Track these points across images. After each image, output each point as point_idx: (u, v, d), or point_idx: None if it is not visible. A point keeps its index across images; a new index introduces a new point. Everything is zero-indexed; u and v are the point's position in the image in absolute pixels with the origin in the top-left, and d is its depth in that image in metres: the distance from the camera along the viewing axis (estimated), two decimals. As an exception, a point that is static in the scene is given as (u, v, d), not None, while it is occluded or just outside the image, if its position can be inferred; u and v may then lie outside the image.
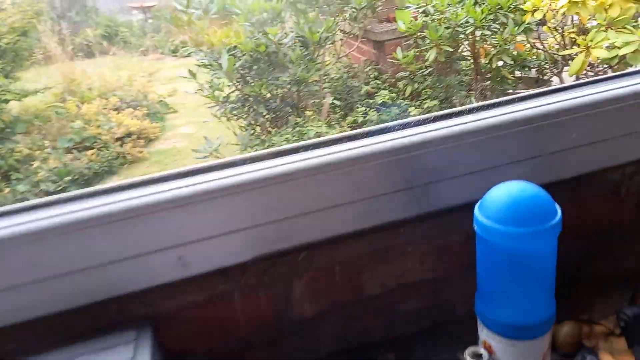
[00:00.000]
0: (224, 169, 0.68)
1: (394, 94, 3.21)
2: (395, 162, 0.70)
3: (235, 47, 3.08)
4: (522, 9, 2.89)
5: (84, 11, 7.85)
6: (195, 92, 3.23)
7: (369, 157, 0.69)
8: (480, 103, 0.75)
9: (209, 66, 3.08)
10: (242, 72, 3.12)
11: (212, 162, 0.69)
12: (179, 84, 5.42)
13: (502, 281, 0.58)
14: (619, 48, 2.44)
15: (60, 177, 3.25)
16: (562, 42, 2.97)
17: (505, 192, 0.56)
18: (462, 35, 3.05)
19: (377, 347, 0.77)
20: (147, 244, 0.64)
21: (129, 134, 3.97)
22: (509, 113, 0.73)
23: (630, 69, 0.78)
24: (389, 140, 0.70)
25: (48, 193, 3.19)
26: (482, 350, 0.60)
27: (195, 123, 4.51)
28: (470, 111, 0.74)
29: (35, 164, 3.29)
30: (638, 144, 0.77)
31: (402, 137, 0.70)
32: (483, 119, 0.72)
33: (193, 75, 3.07)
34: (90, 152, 3.60)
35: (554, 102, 0.74)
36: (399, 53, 3.23)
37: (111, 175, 3.61)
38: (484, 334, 0.61)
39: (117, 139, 3.86)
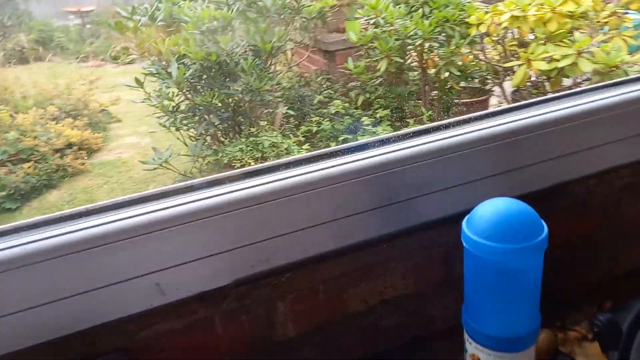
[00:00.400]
0: (199, 190, 0.66)
1: (346, 104, 3.23)
2: (374, 179, 0.69)
3: (184, 55, 3.00)
4: (467, 22, 3.01)
5: (16, 15, 7.41)
6: (143, 101, 3.11)
7: (347, 175, 0.68)
8: (455, 119, 0.76)
9: (157, 75, 2.98)
10: (192, 81, 3.04)
11: (187, 182, 0.66)
12: (122, 93, 5.22)
13: (490, 295, 0.59)
14: (557, 61, 2.59)
15: (-6, 192, 3.03)
16: (504, 54, 3.11)
17: (493, 208, 0.57)
18: (411, 47, 3.13)
19: (359, 365, 0.76)
20: (121, 271, 0.60)
21: (69, 145, 3.76)
22: (481, 129, 0.75)
23: (589, 85, 0.82)
24: (367, 158, 0.70)
25: (-20, 210, 2.96)
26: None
27: (141, 133, 4.35)
28: (446, 127, 0.75)
29: (-34, 178, 3.04)
30: (599, 157, 0.81)
31: (380, 155, 0.70)
32: (458, 135, 0.73)
33: (140, 83, 2.96)
34: (27, 165, 3.38)
35: (521, 119, 0.76)
36: (350, 63, 3.27)
37: (51, 189, 3.40)
38: (472, 347, 0.62)
39: (57, 151, 3.65)
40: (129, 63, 6.76)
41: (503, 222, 0.56)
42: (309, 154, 0.70)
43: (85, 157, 3.78)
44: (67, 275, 0.58)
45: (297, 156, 0.70)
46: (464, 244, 0.60)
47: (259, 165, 0.69)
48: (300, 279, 0.70)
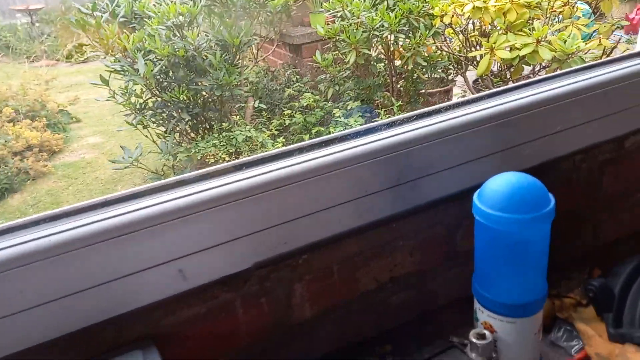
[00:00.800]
0: (217, 177, 0.67)
1: (316, 96, 3.26)
2: (383, 161, 0.72)
3: (150, 52, 2.94)
4: (431, 14, 3.08)
5: (-42, 13, 7.02)
6: (107, 100, 3.03)
7: (361, 157, 0.70)
8: (457, 101, 0.80)
9: (122, 72, 2.91)
10: (159, 77, 2.99)
11: (204, 170, 0.67)
12: (80, 92, 5.05)
13: (503, 265, 0.63)
14: (518, 49, 2.70)
15: (-49, 198, 2.88)
16: (466, 45, 3.21)
17: (505, 182, 0.61)
18: (378, 39, 3.18)
19: (371, 342, 0.79)
20: (145, 259, 0.61)
21: (29, 147, 3.62)
22: (475, 112, 0.79)
23: (574, 67, 0.88)
24: (378, 140, 0.72)
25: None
26: (485, 331, 0.65)
27: (103, 132, 4.23)
28: (448, 109, 0.79)
29: None
30: (583, 135, 0.87)
31: (388, 137, 0.73)
32: (460, 116, 0.77)
33: (105, 81, 2.88)
34: (-15, 169, 3.23)
35: (514, 100, 0.81)
36: (318, 56, 3.29)
37: (13, 192, 3.26)
38: (484, 315, 0.66)
39: (16, 154, 3.51)
40: (83, 62, 6.54)
41: (515, 194, 0.60)
42: (321, 138, 0.72)
43: (47, 159, 3.65)
44: (93, 264, 0.58)
45: (310, 141, 0.72)
46: (476, 217, 0.63)
47: (274, 151, 0.70)
48: (317, 260, 0.72)
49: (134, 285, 0.61)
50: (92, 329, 0.59)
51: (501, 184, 0.61)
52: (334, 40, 3.24)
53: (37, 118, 4.03)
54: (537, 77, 0.82)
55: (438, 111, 0.78)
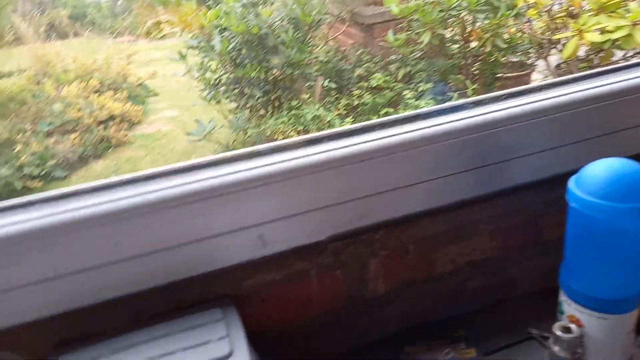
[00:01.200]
0: (302, 147, 0.67)
1: (387, 77, 3.20)
2: (469, 140, 0.70)
3: (225, 29, 3.00)
4: (514, -7, 2.92)
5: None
6: (184, 75, 3.15)
7: (443, 136, 0.68)
8: (551, 80, 0.75)
9: (199, 48, 3.00)
10: (233, 54, 3.06)
11: (290, 140, 0.67)
12: (158, 67, 5.28)
13: (597, 256, 0.59)
14: (610, 32, 2.50)
15: (44, 161, 3.13)
16: (551, 26, 3.02)
17: (606, 167, 0.57)
18: (454, 19, 3.07)
19: (442, 324, 0.78)
20: (230, 222, 0.63)
21: (111, 117, 3.84)
22: (574, 92, 0.74)
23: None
24: (462, 119, 0.70)
25: (32, 177, 3.07)
26: (572, 325, 0.61)
27: (179, 106, 4.41)
28: (540, 89, 0.74)
29: (18, 147, 3.15)
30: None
31: (474, 116, 0.70)
32: (553, 97, 0.72)
33: (183, 57, 2.99)
34: (73, 135, 3.47)
35: (618, 82, 0.75)
36: (390, 36, 3.22)
37: (96, 158, 3.50)
38: (571, 308, 0.62)
39: (100, 123, 3.74)
40: (160, 39, 6.81)
41: (617, 181, 0.55)
42: (404, 114, 0.71)
43: (127, 129, 3.86)
44: (181, 224, 0.60)
45: (392, 117, 0.70)
46: (570, 204, 0.60)
47: (356, 125, 0.70)
48: (393, 237, 0.71)
49: (218, 247, 0.63)
50: (179, 284, 0.62)
51: (603, 170, 0.57)
52: (408, 20, 3.15)
53: (119, 90, 4.26)
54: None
55: (529, 91, 0.74)
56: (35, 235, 0.55)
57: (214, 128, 2.83)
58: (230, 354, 0.53)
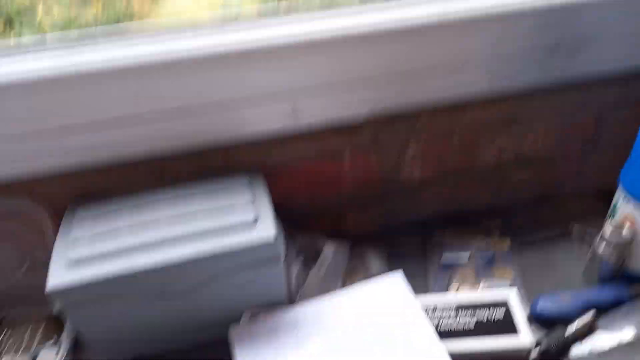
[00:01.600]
0: (346, 15, 0.58)
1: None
2: (541, 22, 0.60)
3: None
4: None
5: None
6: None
7: (512, 15, 0.59)
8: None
9: None
10: None
11: (334, 9, 0.59)
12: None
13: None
14: None
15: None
16: None
17: None
18: None
19: (479, 214, 0.74)
20: (262, 87, 0.57)
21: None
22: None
23: None
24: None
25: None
26: (626, 226, 0.56)
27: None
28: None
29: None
30: None
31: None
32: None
33: None
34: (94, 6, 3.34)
35: None
36: None
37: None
38: (628, 206, 0.57)
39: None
40: None
41: None
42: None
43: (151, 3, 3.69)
44: (209, 84, 0.55)
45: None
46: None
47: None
48: (438, 121, 0.64)
49: (248, 113, 0.58)
50: (204, 150, 0.59)
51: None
52: None
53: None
54: None
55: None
56: (49, 81, 0.51)
57: None
58: (255, 220, 0.51)
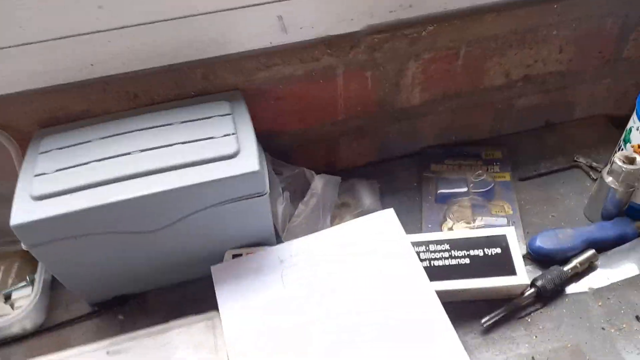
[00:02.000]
0: None
1: None
2: None
3: None
4: None
5: None
6: None
7: None
8: None
9: None
10: None
11: None
12: None
13: None
14: None
15: None
16: None
17: None
18: None
19: (480, 144, 0.69)
20: (243, -5, 0.49)
21: None
22: None
23: None
24: None
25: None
26: (637, 155, 0.52)
27: None
28: None
29: None
30: None
31: None
32: None
33: None
34: None
35: None
36: None
37: None
38: (642, 138, 0.52)
39: None
40: None
41: None
42: None
43: None
44: (181, -8, 0.48)
45: None
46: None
47: None
48: (443, 36, 0.57)
49: (229, 26, 0.51)
50: (181, 68, 0.52)
51: None
52: None
53: None
54: None
55: None
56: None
57: None
58: (236, 153, 0.46)
